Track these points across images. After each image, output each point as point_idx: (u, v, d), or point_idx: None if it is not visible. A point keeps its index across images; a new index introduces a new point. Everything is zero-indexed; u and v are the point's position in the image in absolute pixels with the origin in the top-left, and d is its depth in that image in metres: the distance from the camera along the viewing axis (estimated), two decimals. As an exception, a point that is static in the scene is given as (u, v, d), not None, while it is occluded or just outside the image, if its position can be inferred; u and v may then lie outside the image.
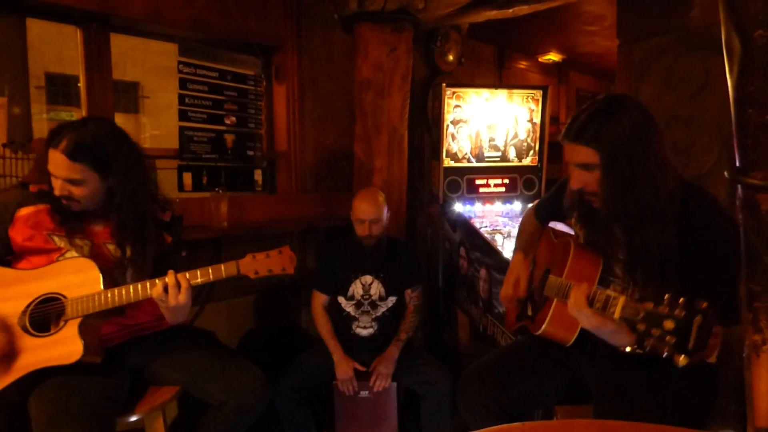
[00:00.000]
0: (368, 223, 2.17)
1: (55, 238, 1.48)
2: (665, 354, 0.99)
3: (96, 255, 1.48)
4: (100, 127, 1.49)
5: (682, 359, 0.97)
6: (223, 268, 1.43)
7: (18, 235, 1.45)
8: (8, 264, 1.48)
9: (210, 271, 1.43)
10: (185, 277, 1.42)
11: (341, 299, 2.30)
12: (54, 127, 1.46)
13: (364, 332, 2.28)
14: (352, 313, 2.29)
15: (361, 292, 2.28)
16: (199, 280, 1.43)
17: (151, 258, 1.56)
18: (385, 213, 2.22)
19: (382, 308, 2.29)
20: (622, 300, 1.10)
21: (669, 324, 0.98)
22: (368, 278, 2.28)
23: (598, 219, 1.35)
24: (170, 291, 1.39)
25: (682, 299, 0.99)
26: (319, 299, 2.32)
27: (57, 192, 1.45)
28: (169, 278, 1.40)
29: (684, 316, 0.97)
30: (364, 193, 2.26)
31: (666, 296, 1.01)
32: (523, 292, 1.63)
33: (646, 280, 1.27)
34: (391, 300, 2.30)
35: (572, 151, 1.32)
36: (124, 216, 1.52)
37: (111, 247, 1.55)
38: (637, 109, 1.26)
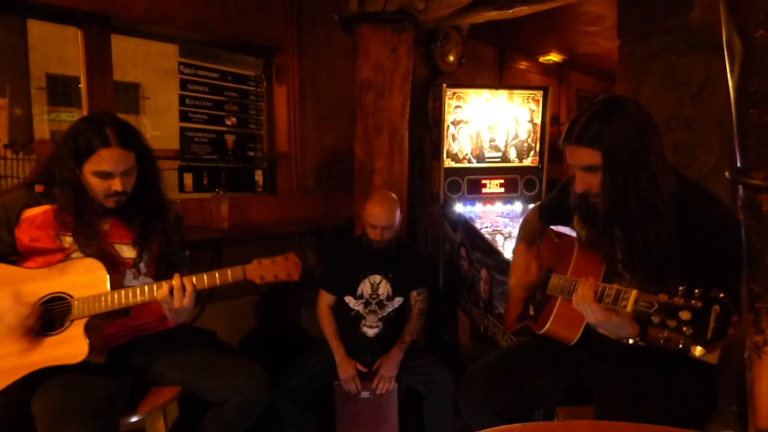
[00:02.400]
0: (380, 229, 2.18)
1: (63, 238, 1.47)
2: (680, 345, 0.96)
3: (103, 255, 1.48)
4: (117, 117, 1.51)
5: (698, 350, 0.95)
6: (229, 272, 1.44)
7: (24, 235, 1.45)
8: (15, 264, 1.48)
9: (217, 275, 1.44)
10: (191, 280, 1.43)
11: (349, 299, 2.30)
12: (76, 132, 1.42)
13: (370, 332, 2.28)
14: (361, 312, 2.29)
15: (369, 291, 2.29)
16: (206, 284, 1.44)
17: (157, 258, 1.57)
18: (397, 219, 2.22)
19: (389, 308, 2.30)
20: (634, 293, 1.09)
21: (685, 314, 0.96)
22: (377, 278, 2.29)
23: (599, 219, 1.35)
24: (175, 294, 1.40)
25: (697, 290, 0.97)
26: (326, 299, 2.32)
27: (120, 188, 1.45)
28: (175, 281, 1.41)
29: (701, 306, 0.95)
30: (379, 197, 2.23)
31: (680, 288, 1.00)
32: (534, 276, 1.62)
33: (647, 279, 1.26)
34: (398, 301, 2.30)
35: (575, 154, 1.32)
36: (151, 211, 1.54)
37: (118, 247, 1.55)
38: (635, 108, 1.27)
